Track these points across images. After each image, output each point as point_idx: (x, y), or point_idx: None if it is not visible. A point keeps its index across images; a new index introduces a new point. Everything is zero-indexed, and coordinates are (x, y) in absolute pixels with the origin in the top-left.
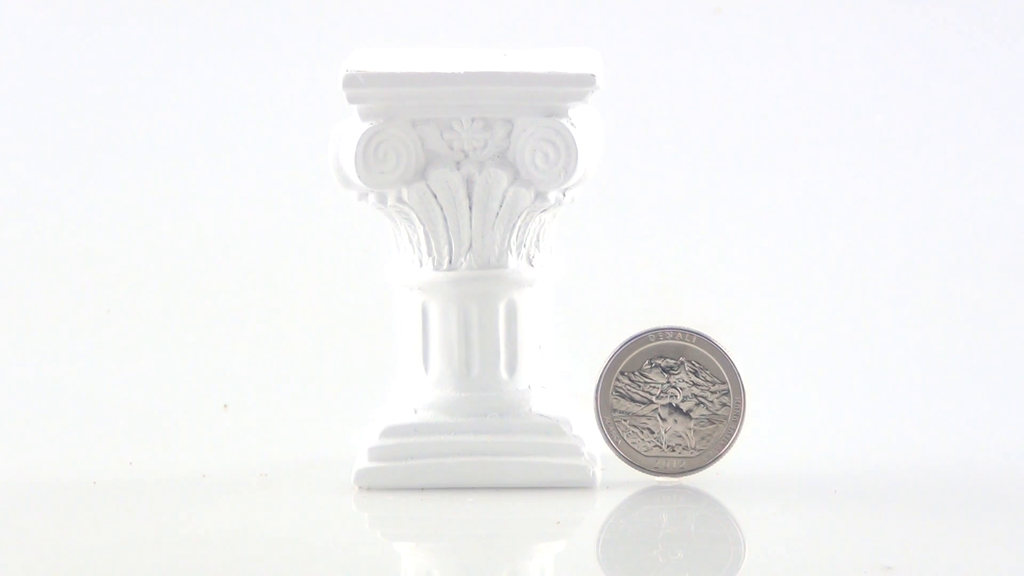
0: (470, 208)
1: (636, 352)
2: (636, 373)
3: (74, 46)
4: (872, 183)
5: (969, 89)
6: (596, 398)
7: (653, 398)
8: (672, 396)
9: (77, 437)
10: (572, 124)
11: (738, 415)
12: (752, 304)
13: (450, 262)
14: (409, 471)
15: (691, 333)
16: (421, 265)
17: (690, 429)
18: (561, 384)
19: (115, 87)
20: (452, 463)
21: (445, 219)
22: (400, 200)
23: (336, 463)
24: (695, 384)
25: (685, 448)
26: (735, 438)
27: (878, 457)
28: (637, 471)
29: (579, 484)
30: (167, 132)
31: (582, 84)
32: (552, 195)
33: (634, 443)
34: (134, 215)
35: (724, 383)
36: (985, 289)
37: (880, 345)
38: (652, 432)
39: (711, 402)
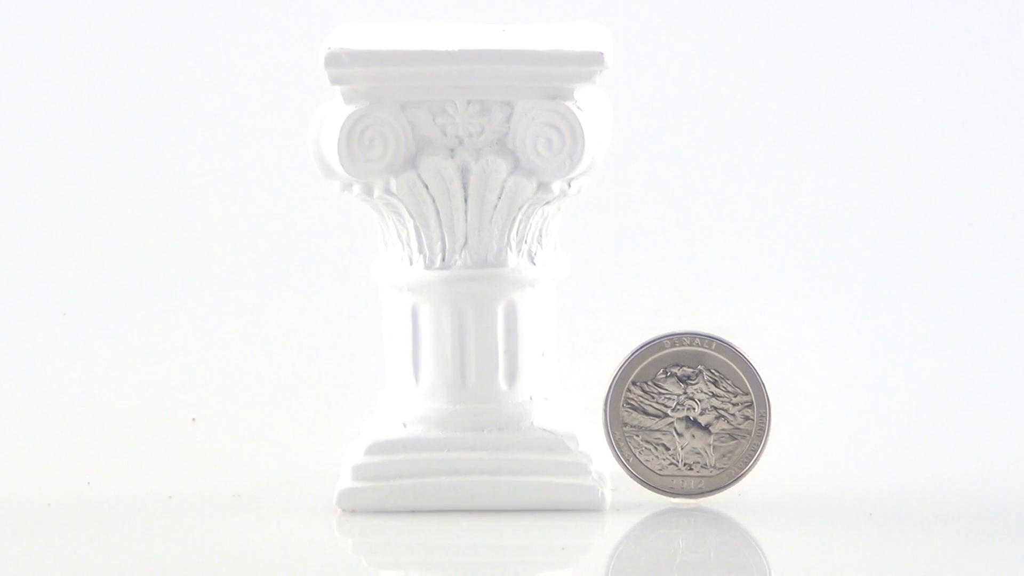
0: (465, 200)
1: (649, 360)
2: (649, 383)
3: (38, 24)
4: (909, 173)
5: (1002, 77)
6: (605, 411)
7: (668, 411)
8: (689, 409)
9: (29, 454)
10: (578, 107)
11: (762, 429)
12: (777, 307)
13: (443, 260)
14: (397, 491)
15: (710, 339)
16: (411, 263)
17: (709, 445)
18: (566, 396)
19: (81, 73)
20: (445, 483)
21: (438, 212)
22: (388, 191)
23: (317, 482)
24: (715, 395)
25: (704, 466)
26: (759, 455)
27: (917, 476)
28: (650, 492)
29: (586, 506)
30: (132, 117)
31: (589, 63)
32: (556, 186)
33: (647, 461)
34: (92, 210)
35: (747, 394)
36: None
37: (920, 351)
38: (667, 448)
39: (733, 415)
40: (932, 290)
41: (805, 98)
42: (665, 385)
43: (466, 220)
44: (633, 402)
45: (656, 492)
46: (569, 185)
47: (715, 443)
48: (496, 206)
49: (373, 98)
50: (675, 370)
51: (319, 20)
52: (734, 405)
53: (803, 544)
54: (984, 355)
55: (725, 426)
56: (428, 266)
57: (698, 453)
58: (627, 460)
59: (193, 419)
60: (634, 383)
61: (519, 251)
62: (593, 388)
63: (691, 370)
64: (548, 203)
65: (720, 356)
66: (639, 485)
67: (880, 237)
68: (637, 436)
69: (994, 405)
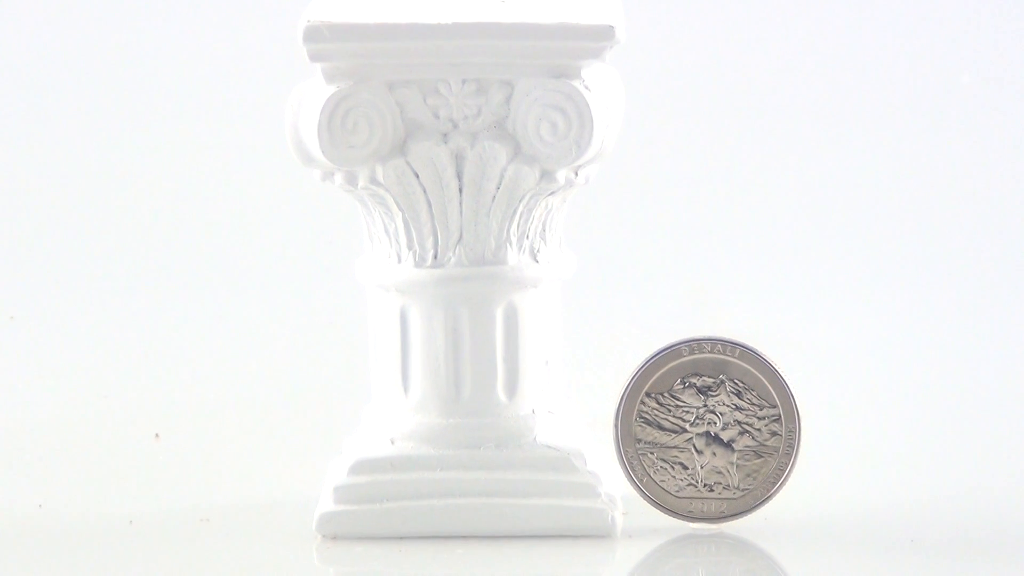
0: (460, 190)
1: (666, 368)
2: (666, 395)
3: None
4: (950, 153)
5: None
6: (616, 426)
7: (687, 425)
8: (710, 423)
9: None
10: (586, 87)
11: (791, 446)
12: (808, 309)
13: (435, 257)
14: (384, 516)
15: (733, 345)
16: (400, 261)
17: (732, 464)
18: (572, 408)
19: (25, 56)
20: (437, 506)
21: (429, 204)
22: (374, 181)
23: (294, 505)
24: (738, 408)
25: (726, 487)
26: (788, 475)
27: (965, 498)
28: (666, 516)
29: (595, 532)
30: (82, 99)
31: (598, 37)
32: (561, 175)
33: (663, 481)
34: (41, 205)
35: (774, 407)
36: None
37: (968, 360)
38: (685, 467)
39: (758, 430)
40: (982, 292)
41: (839, 77)
42: (683, 397)
43: (461, 213)
44: (647, 416)
45: (673, 516)
46: (576, 174)
47: (739, 461)
48: (494, 197)
49: (357, 77)
50: (694, 380)
51: None
52: (760, 419)
53: (836, 574)
54: None
55: (750, 442)
56: (418, 264)
57: (720, 473)
58: (640, 480)
59: (156, 434)
60: (648, 394)
61: (520, 247)
62: (603, 400)
63: (712, 380)
64: (552, 194)
65: (744, 364)
66: (654, 508)
67: (923, 234)
68: (652, 453)
69: None
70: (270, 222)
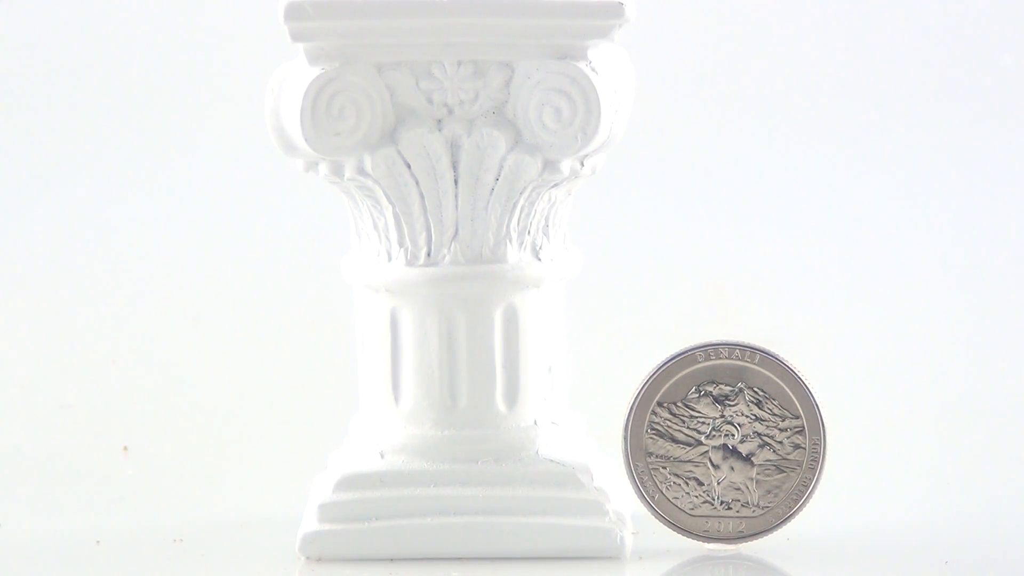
0: (456, 182)
1: (679, 376)
2: (679, 404)
3: None
4: (986, 144)
5: None
6: (626, 438)
7: (702, 438)
8: (728, 435)
9: None
10: (592, 69)
11: (816, 461)
12: (833, 311)
13: (428, 255)
14: (373, 536)
15: (753, 350)
16: (390, 259)
17: (751, 479)
18: (577, 419)
19: None
20: (431, 525)
21: (422, 197)
22: (362, 171)
23: (276, 525)
24: (758, 419)
25: (745, 505)
26: (811, 491)
27: (1005, 517)
28: (680, 535)
29: (603, 553)
30: (45, 80)
31: (606, 15)
32: (566, 165)
33: (676, 498)
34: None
35: (797, 417)
36: None
37: (1004, 366)
38: (701, 483)
39: (780, 443)
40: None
41: (868, 60)
42: (698, 406)
43: (456, 207)
44: (659, 427)
45: (687, 536)
46: (581, 164)
47: (758, 477)
48: (493, 189)
49: (343, 58)
50: (710, 388)
51: None
52: (781, 431)
53: None
54: None
55: (771, 456)
56: (410, 262)
57: (738, 489)
58: (652, 497)
59: (125, 447)
60: (660, 404)
61: (520, 244)
62: (611, 410)
63: (730, 388)
64: (556, 186)
65: (765, 371)
66: (666, 527)
67: (962, 231)
68: (664, 468)
69: None
70: (249, 218)
